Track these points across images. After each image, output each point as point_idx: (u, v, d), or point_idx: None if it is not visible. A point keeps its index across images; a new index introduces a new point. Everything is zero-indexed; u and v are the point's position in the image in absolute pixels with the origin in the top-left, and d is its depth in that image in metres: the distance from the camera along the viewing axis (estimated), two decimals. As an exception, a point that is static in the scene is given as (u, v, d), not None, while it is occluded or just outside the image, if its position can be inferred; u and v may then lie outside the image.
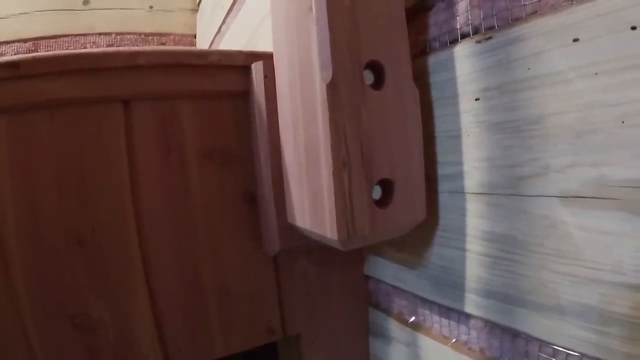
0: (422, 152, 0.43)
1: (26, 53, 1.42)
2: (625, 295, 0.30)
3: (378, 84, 0.40)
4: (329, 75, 0.36)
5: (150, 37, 1.49)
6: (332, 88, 0.36)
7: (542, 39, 0.34)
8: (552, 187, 0.35)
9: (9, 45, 1.42)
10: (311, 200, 0.41)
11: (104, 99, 0.46)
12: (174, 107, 0.48)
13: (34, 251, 0.43)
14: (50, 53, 0.45)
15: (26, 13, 1.42)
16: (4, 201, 0.42)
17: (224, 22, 1.13)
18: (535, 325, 0.37)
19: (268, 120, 0.47)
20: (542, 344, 0.37)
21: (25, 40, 1.42)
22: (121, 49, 0.48)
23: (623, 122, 0.30)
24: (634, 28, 0.28)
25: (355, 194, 0.37)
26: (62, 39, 1.43)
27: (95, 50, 0.46)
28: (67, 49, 1.43)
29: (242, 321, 0.53)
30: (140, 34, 1.48)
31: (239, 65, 0.49)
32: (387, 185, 0.40)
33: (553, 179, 0.35)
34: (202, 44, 1.43)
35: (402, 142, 0.41)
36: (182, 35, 1.54)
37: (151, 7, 1.50)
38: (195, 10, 1.56)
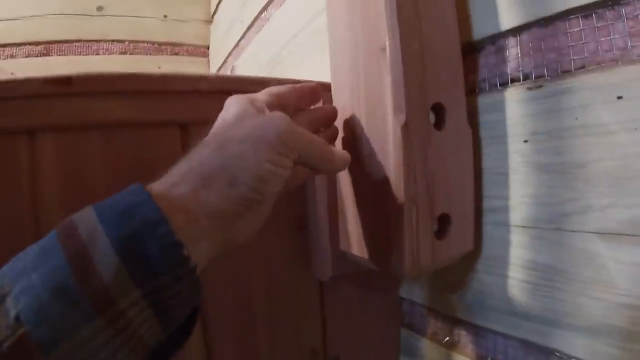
0: (472, 188, 0.46)
1: (38, 56, 1.42)
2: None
3: (439, 124, 0.43)
4: (402, 118, 0.39)
5: (163, 47, 1.50)
6: (406, 130, 0.39)
7: (590, 93, 0.38)
8: (591, 224, 0.39)
9: (20, 48, 1.41)
10: (373, 231, 0.44)
11: (161, 122, 0.46)
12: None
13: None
14: (105, 72, 0.44)
15: (39, 16, 1.41)
16: (51, 220, 0.40)
17: (243, 36, 1.15)
18: (570, 344, 0.41)
19: (326, 150, 0.49)
20: (574, 360, 0.41)
21: (37, 43, 1.41)
22: (182, 73, 0.48)
23: (655, 172, 0.34)
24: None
25: (421, 228, 0.40)
26: (74, 43, 1.43)
27: (154, 73, 0.46)
28: (80, 54, 1.43)
29: (289, 344, 0.54)
30: (153, 43, 1.49)
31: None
32: (444, 219, 0.43)
33: (593, 217, 0.39)
34: (217, 56, 1.44)
35: (458, 178, 0.44)
36: (196, 46, 1.55)
37: (165, 16, 1.51)
38: (209, 21, 1.57)
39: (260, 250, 0.51)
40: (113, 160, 0.44)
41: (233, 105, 0.36)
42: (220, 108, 0.37)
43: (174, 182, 0.29)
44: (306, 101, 0.43)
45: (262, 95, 0.38)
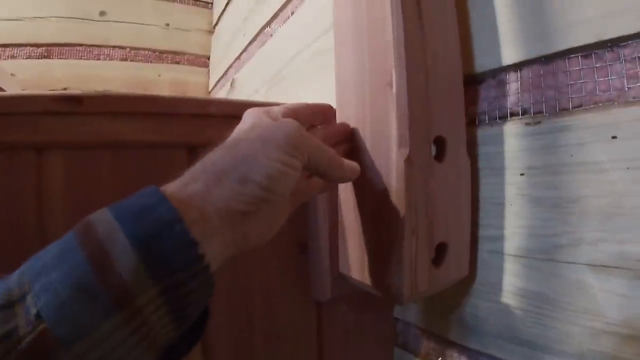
0: (469, 217, 0.48)
1: (39, 58, 1.42)
2: (634, 345, 0.37)
3: (440, 156, 0.44)
4: (406, 152, 0.40)
5: (164, 55, 1.50)
6: (409, 164, 0.40)
7: (586, 132, 0.40)
8: (583, 256, 0.40)
9: (21, 49, 1.42)
10: (373, 257, 0.45)
11: (170, 144, 0.47)
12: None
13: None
14: (115, 92, 0.45)
15: (41, 17, 1.42)
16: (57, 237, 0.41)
17: (245, 49, 1.16)
18: None
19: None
20: (563, 384, 0.42)
21: (38, 45, 1.42)
22: (192, 97, 0.48)
23: (645, 210, 0.36)
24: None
25: (420, 257, 0.41)
26: (76, 47, 1.44)
27: (165, 95, 0.47)
28: (81, 58, 1.44)
29: None
30: (155, 51, 1.50)
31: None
32: (441, 247, 0.44)
33: (584, 250, 0.40)
34: (217, 67, 1.45)
35: (456, 207, 0.45)
36: (197, 56, 1.56)
37: (167, 24, 1.52)
38: (211, 31, 1.58)
39: (260, 272, 0.52)
40: (120, 179, 0.44)
41: (249, 116, 0.38)
42: (228, 131, 0.38)
43: (187, 181, 0.30)
44: (319, 118, 0.45)
45: (277, 108, 0.40)
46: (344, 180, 0.39)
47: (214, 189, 0.29)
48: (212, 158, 0.31)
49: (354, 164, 0.40)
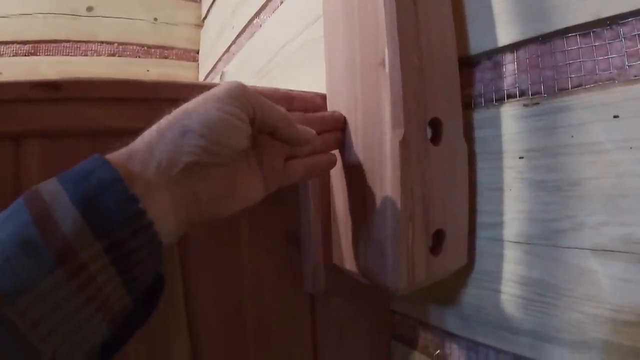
0: (467, 203, 0.46)
1: (25, 55, 1.40)
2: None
3: (436, 139, 0.43)
4: (401, 133, 0.39)
5: (153, 50, 1.49)
6: (404, 146, 0.39)
7: (586, 112, 0.39)
8: (585, 240, 0.39)
9: (7, 46, 1.40)
10: (368, 247, 0.43)
11: None
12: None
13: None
14: (95, 78, 0.43)
15: (27, 14, 1.40)
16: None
17: (234, 42, 1.15)
18: (562, 358, 0.41)
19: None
20: (566, 374, 0.41)
21: (24, 42, 1.40)
22: (176, 80, 0.47)
23: (650, 191, 0.35)
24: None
25: (417, 245, 0.40)
26: (63, 44, 1.42)
27: (145, 80, 0.45)
28: (68, 54, 1.42)
29: (278, 358, 0.54)
30: (143, 46, 1.48)
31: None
32: (439, 235, 0.43)
33: (586, 234, 0.39)
34: (207, 61, 1.44)
35: (453, 193, 0.44)
36: (185, 50, 1.55)
37: (155, 19, 1.50)
38: (199, 25, 1.57)
39: (251, 264, 0.51)
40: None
41: None
42: None
43: (133, 144, 0.31)
44: (309, 106, 0.46)
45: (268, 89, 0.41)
46: (298, 141, 0.38)
47: (157, 145, 0.30)
48: (159, 122, 0.32)
49: (309, 129, 0.40)
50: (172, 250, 0.46)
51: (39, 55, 1.41)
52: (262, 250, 0.52)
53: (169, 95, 0.45)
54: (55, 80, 0.40)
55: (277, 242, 0.53)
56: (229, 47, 1.20)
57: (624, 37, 0.36)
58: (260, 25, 0.98)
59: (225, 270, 0.49)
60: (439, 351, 0.55)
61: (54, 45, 1.42)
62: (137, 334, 0.42)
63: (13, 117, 0.39)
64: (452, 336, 0.54)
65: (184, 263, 0.47)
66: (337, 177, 0.48)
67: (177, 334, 0.47)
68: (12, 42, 1.39)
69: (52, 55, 1.42)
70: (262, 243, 0.51)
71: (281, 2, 0.87)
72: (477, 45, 0.48)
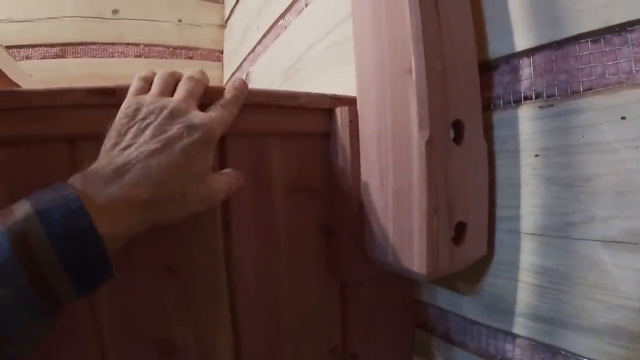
0: (487, 198, 0.50)
1: (54, 58, 1.44)
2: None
3: (459, 139, 0.46)
4: (426, 134, 0.42)
5: (178, 51, 1.52)
6: (430, 145, 0.42)
7: (596, 113, 0.41)
8: (595, 233, 0.42)
9: (35, 49, 1.42)
10: (397, 237, 0.47)
11: None
12: (264, 144, 0.50)
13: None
14: None
15: (54, 18, 1.43)
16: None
17: (259, 42, 1.17)
18: (575, 343, 0.44)
19: (351, 161, 0.52)
20: (580, 359, 0.44)
21: (52, 45, 1.43)
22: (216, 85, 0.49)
23: (655, 186, 0.38)
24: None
25: (441, 235, 0.44)
26: (90, 46, 1.45)
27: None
28: (95, 57, 1.45)
29: (311, 345, 0.57)
30: (168, 47, 1.51)
31: (324, 108, 0.53)
32: (461, 226, 0.47)
33: (597, 227, 0.42)
34: (231, 61, 1.46)
35: (474, 188, 0.48)
36: (210, 50, 1.57)
37: (180, 20, 1.53)
38: (223, 26, 1.59)
39: (288, 256, 0.54)
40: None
41: None
42: (252, 119, 0.44)
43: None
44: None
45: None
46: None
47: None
48: None
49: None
50: (216, 247, 0.49)
51: (67, 57, 1.45)
52: (298, 242, 0.55)
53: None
54: (110, 87, 0.43)
55: (312, 234, 0.56)
56: (254, 47, 1.21)
57: (631, 43, 0.39)
58: (286, 27, 1.00)
59: (264, 262, 0.52)
60: (460, 337, 0.59)
61: (82, 47, 1.45)
62: (184, 320, 0.46)
63: (70, 121, 0.42)
64: (473, 323, 0.57)
65: (227, 258, 0.50)
66: (369, 173, 0.51)
67: (221, 322, 0.50)
68: (41, 45, 1.42)
69: (79, 57, 1.46)
70: (298, 235, 0.54)
71: (306, 5, 0.90)
72: (495, 49, 0.51)
